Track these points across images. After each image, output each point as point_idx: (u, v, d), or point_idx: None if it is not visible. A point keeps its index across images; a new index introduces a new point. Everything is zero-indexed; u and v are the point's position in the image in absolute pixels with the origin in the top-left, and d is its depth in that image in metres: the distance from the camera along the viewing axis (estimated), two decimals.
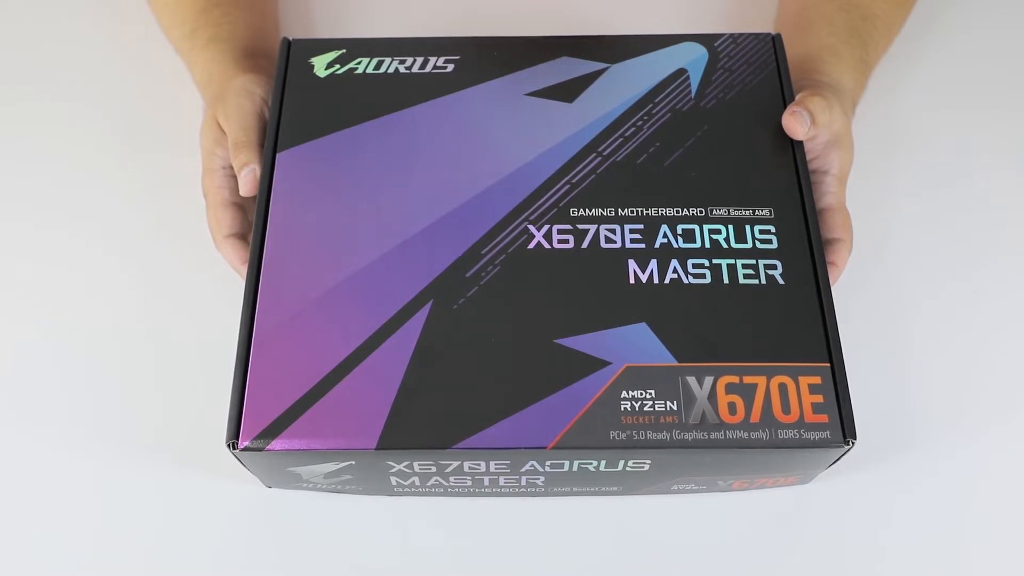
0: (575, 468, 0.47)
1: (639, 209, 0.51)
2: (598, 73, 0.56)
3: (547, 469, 0.47)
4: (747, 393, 0.46)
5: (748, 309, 0.48)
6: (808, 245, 0.50)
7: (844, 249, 0.53)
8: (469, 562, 0.51)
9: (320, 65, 0.56)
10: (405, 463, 0.46)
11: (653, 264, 0.49)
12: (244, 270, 0.53)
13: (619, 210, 0.51)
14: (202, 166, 0.57)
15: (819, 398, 0.46)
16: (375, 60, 0.57)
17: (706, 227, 0.50)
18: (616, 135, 0.53)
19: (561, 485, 0.50)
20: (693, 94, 0.55)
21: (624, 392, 0.46)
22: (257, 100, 0.56)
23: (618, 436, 0.45)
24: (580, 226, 0.50)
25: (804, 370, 0.46)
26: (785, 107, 0.54)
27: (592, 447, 0.45)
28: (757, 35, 0.58)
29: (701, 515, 0.53)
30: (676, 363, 0.46)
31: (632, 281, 0.49)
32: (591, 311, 0.48)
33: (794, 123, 0.52)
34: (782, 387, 0.46)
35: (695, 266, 0.49)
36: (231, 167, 0.55)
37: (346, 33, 0.65)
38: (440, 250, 0.50)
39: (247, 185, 0.53)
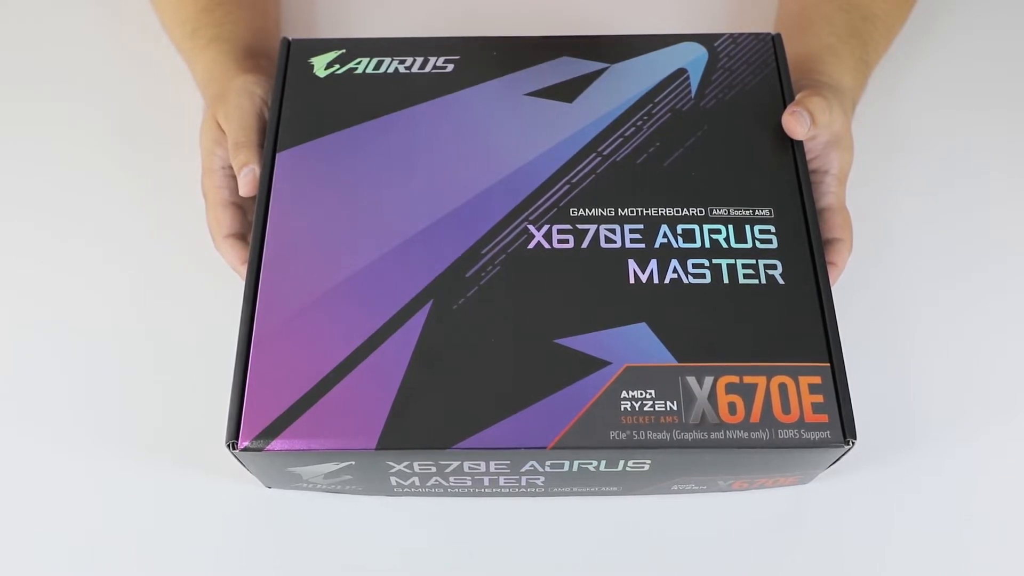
0: (575, 468, 0.47)
1: (639, 209, 0.51)
2: (598, 73, 0.56)
3: (547, 469, 0.47)
4: (747, 393, 0.46)
5: (748, 309, 0.48)
6: (808, 245, 0.50)
7: (844, 249, 0.53)
8: (469, 562, 0.51)
9: (320, 65, 0.56)
10: (405, 463, 0.46)
11: (653, 264, 0.49)
12: (243, 270, 0.53)
13: (619, 210, 0.51)
14: (202, 166, 0.57)
15: (819, 398, 0.46)
16: (375, 60, 0.56)
17: (706, 227, 0.50)
18: (616, 135, 0.53)
19: (561, 485, 0.50)
20: (693, 94, 0.55)
21: (624, 392, 0.46)
22: (257, 100, 0.56)
23: (618, 436, 0.45)
24: (580, 226, 0.50)
25: (804, 370, 0.46)
26: (785, 107, 0.54)
27: (592, 447, 0.45)
28: (757, 35, 0.57)
29: (701, 515, 0.53)
30: (676, 363, 0.46)
31: (632, 281, 0.49)
32: (591, 311, 0.48)
33: (794, 123, 0.52)
34: (782, 387, 0.46)
35: (695, 266, 0.49)
36: (231, 167, 0.55)
37: (346, 33, 0.65)
38: (440, 250, 0.50)
39: (247, 185, 0.53)
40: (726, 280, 0.49)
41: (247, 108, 0.56)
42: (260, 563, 0.51)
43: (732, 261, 0.49)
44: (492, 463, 0.47)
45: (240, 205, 0.56)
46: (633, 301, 0.48)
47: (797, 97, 0.54)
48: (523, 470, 0.47)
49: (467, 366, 0.46)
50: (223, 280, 0.57)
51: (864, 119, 0.62)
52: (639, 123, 0.54)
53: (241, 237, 0.55)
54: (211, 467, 0.53)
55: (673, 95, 0.55)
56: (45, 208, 0.63)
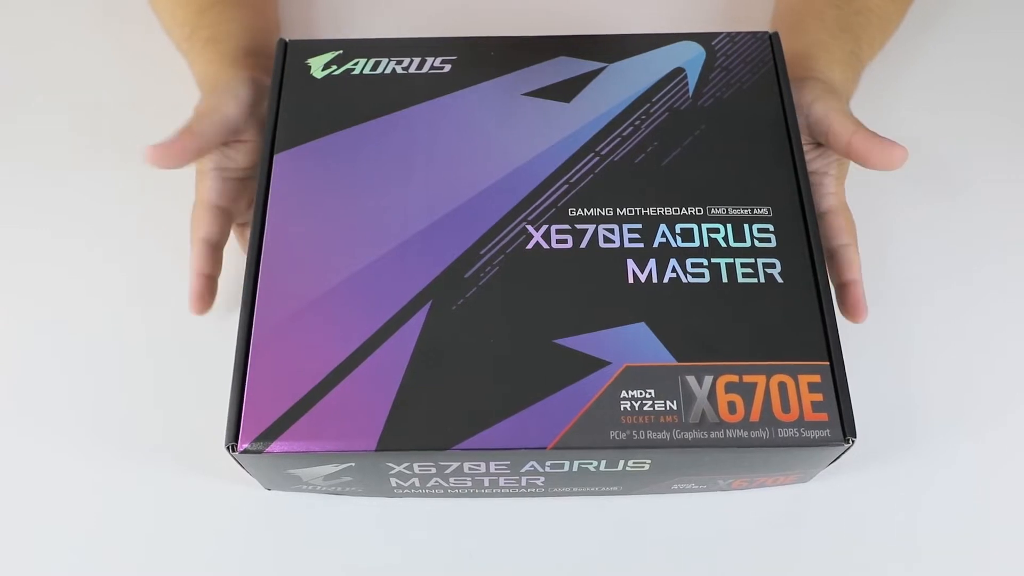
0: (575, 468, 0.47)
1: (637, 209, 0.51)
2: (595, 73, 0.56)
3: (547, 469, 0.47)
4: (747, 392, 0.46)
5: (747, 308, 0.48)
6: (807, 244, 0.50)
7: (852, 252, 0.53)
8: (469, 563, 0.51)
9: (317, 66, 0.56)
10: (405, 464, 0.46)
11: (652, 264, 0.49)
12: (196, 281, 0.53)
13: (617, 210, 0.51)
14: (196, 167, 0.57)
15: (819, 396, 0.46)
16: (372, 61, 0.56)
17: (704, 226, 0.50)
18: (614, 135, 0.53)
19: (561, 485, 0.50)
20: (691, 93, 0.55)
21: (624, 392, 0.46)
22: (241, 93, 0.56)
23: (618, 436, 0.45)
24: (578, 226, 0.50)
25: (804, 368, 0.46)
26: (784, 106, 0.54)
27: (592, 447, 0.45)
28: (754, 34, 0.57)
29: (701, 515, 0.53)
30: (675, 362, 0.46)
31: (631, 281, 0.49)
32: (590, 311, 0.48)
33: (897, 154, 0.51)
34: (782, 386, 0.46)
35: (694, 265, 0.49)
36: (221, 169, 0.55)
37: (344, 33, 0.65)
38: (438, 251, 0.49)
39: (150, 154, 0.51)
40: (725, 279, 0.49)
41: (212, 105, 0.55)
42: (260, 565, 0.51)
43: (731, 260, 0.49)
44: (492, 464, 0.47)
45: (227, 210, 0.55)
46: (632, 301, 0.48)
47: (852, 131, 0.52)
48: (523, 470, 0.47)
49: (466, 367, 0.46)
50: (223, 280, 0.57)
51: (863, 118, 0.61)
52: (637, 122, 0.54)
53: (214, 245, 0.55)
54: (211, 469, 0.53)
55: (671, 94, 0.55)
56: (45, 208, 0.63)
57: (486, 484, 0.49)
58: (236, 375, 0.46)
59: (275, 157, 0.53)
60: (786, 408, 0.45)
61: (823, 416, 0.45)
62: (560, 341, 0.47)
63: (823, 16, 0.61)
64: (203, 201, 0.55)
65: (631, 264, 0.49)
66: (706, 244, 0.50)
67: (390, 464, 0.46)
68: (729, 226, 0.50)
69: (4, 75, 0.69)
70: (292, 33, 0.62)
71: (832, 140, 0.53)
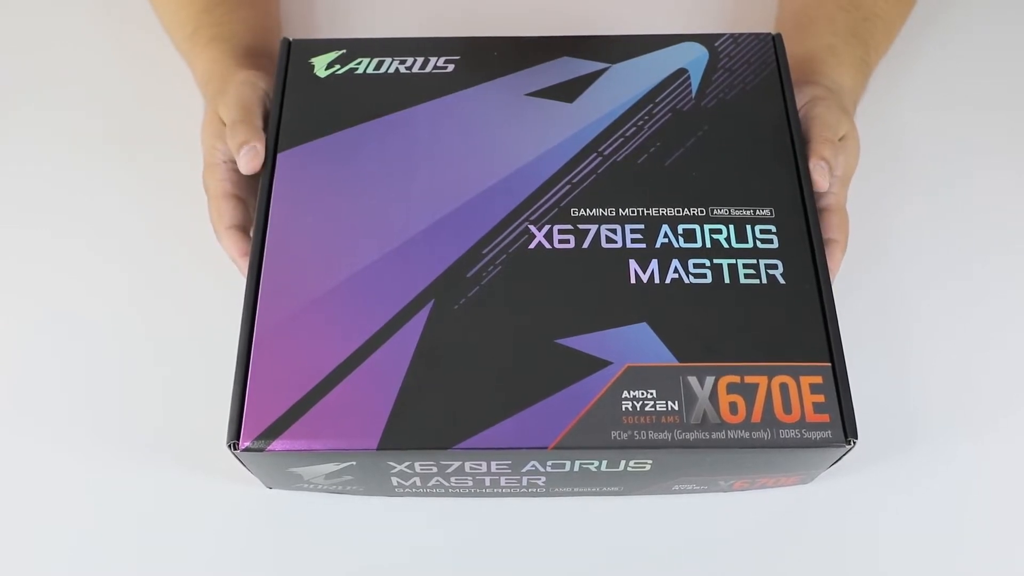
0: (576, 468, 0.47)
1: (640, 209, 0.51)
2: (598, 73, 0.56)
3: (548, 469, 0.47)
4: (748, 393, 0.46)
5: (749, 309, 0.48)
6: (809, 245, 0.50)
7: (838, 250, 0.53)
8: (469, 563, 0.51)
9: (320, 65, 0.56)
10: (406, 463, 0.46)
11: (654, 264, 0.49)
12: (243, 263, 0.53)
13: (620, 210, 0.51)
14: (204, 161, 0.56)
15: (820, 398, 0.46)
16: (375, 60, 0.56)
17: (707, 227, 0.50)
18: (617, 135, 0.53)
19: (562, 485, 0.50)
20: (694, 94, 0.55)
21: (625, 392, 0.46)
22: (259, 91, 0.56)
23: (619, 436, 0.45)
24: (581, 226, 0.50)
25: (805, 370, 0.46)
26: (787, 107, 0.54)
27: (593, 447, 0.45)
28: (757, 35, 0.58)
29: (701, 515, 0.53)
30: (677, 363, 0.46)
31: (633, 281, 0.49)
32: (592, 311, 0.48)
33: (817, 177, 0.52)
34: (783, 387, 0.46)
35: (696, 266, 0.49)
36: (231, 161, 0.55)
37: (346, 33, 0.65)
38: (441, 250, 0.49)
39: (246, 161, 0.52)
40: (727, 280, 0.49)
41: (248, 95, 0.55)
42: (261, 564, 0.51)
43: (733, 261, 0.49)
44: (493, 463, 0.47)
45: (242, 198, 0.55)
46: (634, 301, 0.48)
47: (811, 147, 0.53)
48: (524, 470, 0.47)
49: (468, 366, 0.46)
50: (223, 280, 0.57)
51: (864, 118, 0.62)
52: (640, 123, 0.54)
53: (243, 229, 0.55)
54: (212, 468, 0.53)
55: (674, 95, 0.55)
56: (45, 208, 0.63)
57: (487, 484, 0.49)
58: (238, 373, 0.46)
59: (278, 156, 0.53)
60: (788, 409, 0.45)
61: (824, 417, 0.45)
62: (562, 341, 0.47)
63: (833, 20, 0.61)
64: (219, 193, 0.55)
65: (633, 264, 0.49)
66: (708, 245, 0.50)
67: (391, 463, 0.46)
68: (731, 227, 0.50)
69: (4, 75, 0.69)
70: (293, 33, 0.62)
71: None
